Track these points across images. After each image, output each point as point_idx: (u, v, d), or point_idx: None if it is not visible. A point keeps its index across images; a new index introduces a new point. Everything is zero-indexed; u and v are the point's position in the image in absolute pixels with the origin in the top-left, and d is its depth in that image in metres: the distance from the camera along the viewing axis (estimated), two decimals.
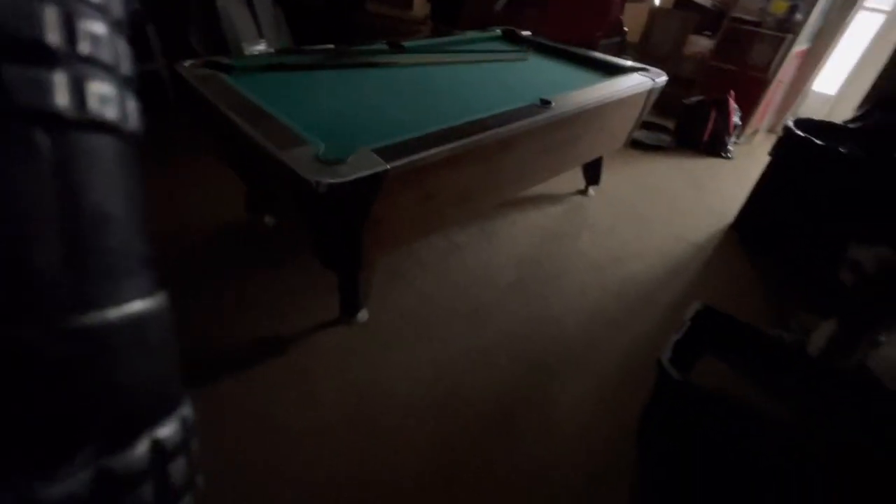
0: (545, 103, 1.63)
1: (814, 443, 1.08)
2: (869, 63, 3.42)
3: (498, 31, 2.71)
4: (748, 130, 3.63)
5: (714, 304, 1.41)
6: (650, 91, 2.15)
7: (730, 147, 3.42)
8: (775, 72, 3.33)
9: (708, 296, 1.93)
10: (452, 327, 1.69)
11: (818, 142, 2.09)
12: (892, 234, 1.83)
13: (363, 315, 1.65)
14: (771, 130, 3.91)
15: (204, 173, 2.35)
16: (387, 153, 1.18)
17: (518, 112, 1.55)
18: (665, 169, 3.13)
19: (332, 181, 1.06)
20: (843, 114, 2.77)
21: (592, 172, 2.56)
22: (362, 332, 1.62)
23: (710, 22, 3.76)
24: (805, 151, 2.14)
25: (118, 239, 0.26)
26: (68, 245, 0.23)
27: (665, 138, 3.46)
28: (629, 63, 2.28)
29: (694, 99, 3.47)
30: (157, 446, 0.27)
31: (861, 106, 2.54)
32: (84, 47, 0.23)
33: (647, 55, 3.91)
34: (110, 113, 0.25)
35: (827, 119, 2.44)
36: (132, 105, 0.27)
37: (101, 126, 0.24)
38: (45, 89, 0.22)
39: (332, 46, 2.03)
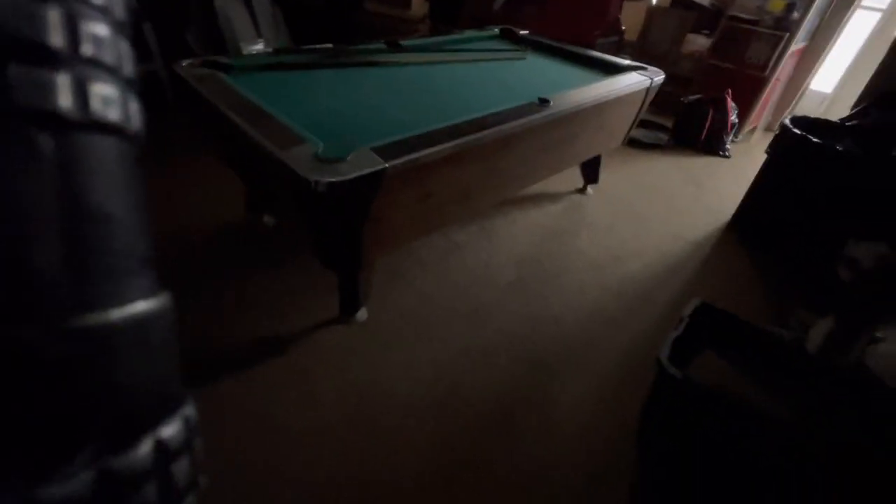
0: (543, 102, 1.64)
1: (813, 441, 1.08)
2: (865, 61, 3.43)
3: (496, 30, 2.71)
4: (746, 129, 3.63)
5: (712, 301, 1.42)
6: (648, 90, 2.15)
7: (727, 145, 3.43)
8: (773, 70, 3.34)
9: (706, 294, 1.93)
10: (452, 327, 1.69)
11: (815, 140, 2.09)
12: (889, 232, 1.84)
13: (363, 314, 1.65)
14: (768, 129, 3.92)
15: (203, 173, 2.34)
16: (386, 152, 1.18)
17: (516, 111, 1.55)
18: (663, 167, 3.13)
19: (331, 180, 1.06)
20: (839, 112, 2.78)
21: (591, 171, 2.56)
22: (362, 332, 1.62)
23: (707, 20, 3.77)
24: (802, 149, 2.15)
25: (120, 239, 0.26)
26: (70, 245, 0.23)
27: (663, 137, 3.47)
28: (627, 62, 2.28)
29: (692, 97, 3.47)
30: (160, 446, 0.27)
31: (857, 104, 2.55)
32: (87, 49, 0.23)
33: (645, 54, 3.91)
34: (113, 114, 0.25)
35: (824, 117, 2.45)
36: (134, 106, 0.27)
37: (103, 127, 0.24)
38: (48, 90, 0.22)
39: (330, 46, 2.03)
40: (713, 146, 3.41)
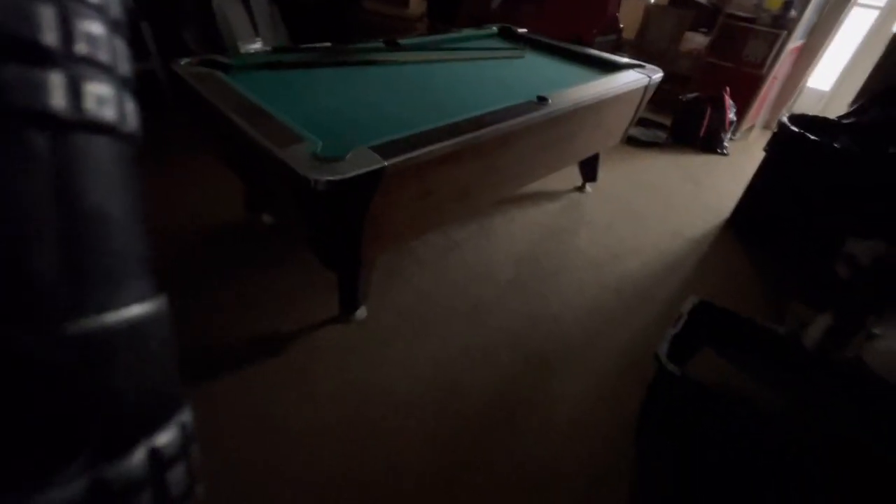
0: (542, 100, 1.63)
1: (811, 437, 1.09)
2: (863, 59, 3.44)
3: (494, 29, 2.71)
4: (743, 127, 3.64)
5: (711, 299, 1.42)
6: (646, 88, 2.15)
7: (725, 143, 3.44)
8: (770, 68, 3.34)
9: (705, 291, 1.94)
10: (451, 325, 1.69)
11: (813, 137, 2.09)
12: (886, 229, 1.84)
13: (362, 313, 1.65)
14: (766, 127, 3.92)
15: (201, 172, 2.34)
16: (384, 150, 1.18)
17: (515, 109, 1.55)
18: (661, 165, 3.13)
19: (330, 178, 1.06)
20: (837, 110, 2.78)
21: (589, 169, 2.56)
22: (361, 331, 1.62)
23: (705, 18, 3.77)
24: (800, 147, 2.15)
25: (116, 241, 0.26)
26: (65, 248, 0.23)
27: (661, 135, 3.47)
28: (625, 60, 2.28)
29: (690, 95, 3.47)
30: (155, 454, 0.27)
31: (855, 101, 2.55)
32: (81, 47, 0.23)
33: (643, 52, 3.91)
34: (108, 114, 0.24)
35: (821, 115, 2.46)
36: (130, 106, 0.26)
37: (98, 127, 0.24)
38: (42, 90, 0.21)
39: (329, 45, 2.02)
40: (711, 144, 3.42)
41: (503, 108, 1.54)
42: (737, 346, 1.38)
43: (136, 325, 0.26)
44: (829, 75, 3.91)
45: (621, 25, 3.85)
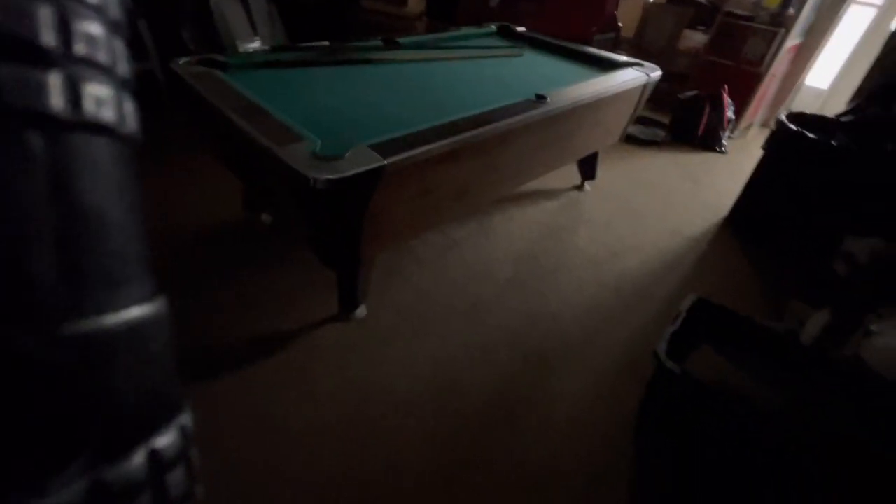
0: (540, 98, 1.63)
1: (810, 434, 1.09)
2: (861, 57, 3.44)
3: (493, 27, 2.71)
4: (742, 125, 3.64)
5: (709, 297, 1.42)
6: (645, 86, 2.15)
7: (724, 141, 3.44)
8: (768, 66, 3.34)
9: (703, 289, 1.94)
10: (451, 324, 1.69)
11: (810, 135, 2.10)
12: (884, 226, 1.85)
13: (362, 311, 1.65)
14: (764, 125, 3.93)
15: (200, 172, 2.33)
16: (384, 149, 1.18)
17: (514, 107, 1.55)
18: (660, 164, 3.14)
19: (329, 177, 1.06)
20: (835, 107, 2.78)
21: (588, 168, 2.56)
22: (360, 330, 1.62)
23: (704, 17, 3.77)
24: (798, 145, 2.15)
25: (115, 242, 0.25)
26: (64, 249, 0.23)
27: (660, 133, 3.47)
28: (624, 58, 2.28)
29: (688, 94, 3.48)
30: (155, 456, 0.27)
31: (853, 99, 2.56)
32: (80, 48, 0.23)
33: (642, 50, 3.91)
34: (106, 115, 0.24)
35: (819, 113, 2.46)
36: (129, 106, 0.26)
37: (96, 128, 0.24)
38: (39, 90, 0.21)
39: (327, 43, 2.02)
40: (710, 142, 3.42)
41: (502, 107, 1.53)
42: (735, 344, 1.38)
43: (135, 327, 0.26)
44: (827, 73, 3.91)
45: (620, 24, 3.84)
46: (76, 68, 0.23)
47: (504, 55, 2.30)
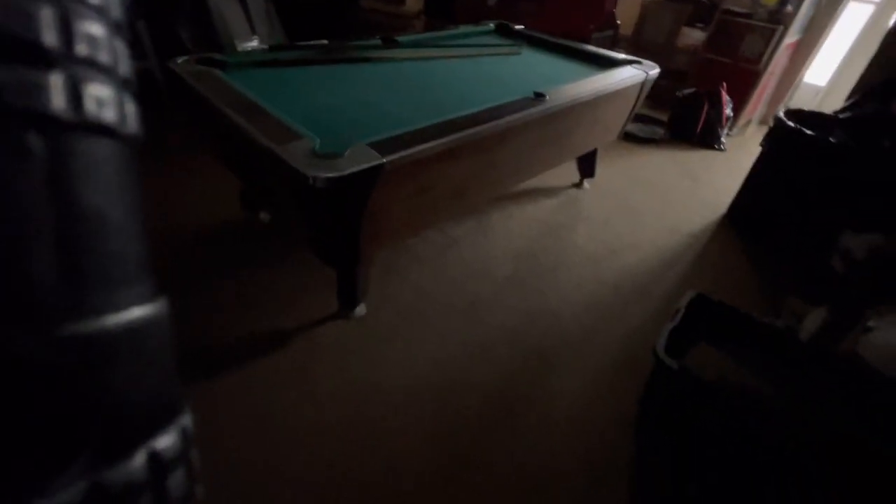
0: (539, 96, 1.63)
1: (809, 430, 1.09)
2: (859, 54, 3.44)
3: (491, 26, 2.70)
4: (740, 122, 3.64)
5: (708, 294, 1.43)
6: (643, 84, 2.15)
7: (722, 139, 3.44)
8: (767, 63, 3.34)
9: (702, 286, 1.94)
10: (450, 322, 1.69)
11: (808, 132, 2.10)
12: (881, 222, 1.85)
13: (361, 310, 1.65)
14: (763, 122, 3.93)
15: (200, 172, 2.33)
16: (383, 147, 1.18)
17: (512, 105, 1.55)
18: (659, 161, 3.14)
19: (328, 175, 1.06)
20: (833, 104, 2.78)
21: (587, 165, 2.56)
22: (360, 328, 1.62)
23: (702, 14, 3.77)
24: (796, 142, 2.15)
25: (116, 243, 0.25)
26: (64, 250, 0.22)
27: (658, 131, 3.47)
28: (622, 56, 2.28)
29: (687, 91, 3.48)
30: (155, 458, 0.27)
31: (851, 96, 2.56)
32: (81, 49, 0.23)
33: (640, 48, 3.91)
34: (108, 115, 0.24)
35: (817, 110, 2.46)
36: (131, 107, 0.26)
37: (98, 129, 0.24)
38: (40, 91, 0.21)
39: (325, 42, 2.02)
40: (708, 140, 3.42)
41: (500, 105, 1.53)
42: (734, 341, 1.39)
43: (135, 328, 0.26)
44: (826, 70, 3.91)
45: (618, 21, 3.84)
46: (77, 69, 0.23)
47: (502, 53, 2.30)
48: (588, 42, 2.65)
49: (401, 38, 2.23)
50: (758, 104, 3.72)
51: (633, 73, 2.08)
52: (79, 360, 0.23)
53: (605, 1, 3.61)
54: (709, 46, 3.57)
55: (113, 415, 0.25)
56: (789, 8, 3.17)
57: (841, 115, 2.34)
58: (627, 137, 3.30)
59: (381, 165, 1.14)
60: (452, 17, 3.79)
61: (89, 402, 0.24)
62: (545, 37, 2.53)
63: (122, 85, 0.25)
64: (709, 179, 2.98)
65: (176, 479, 0.28)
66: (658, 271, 2.10)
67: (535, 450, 1.32)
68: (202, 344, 1.49)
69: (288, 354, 1.50)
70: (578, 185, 2.65)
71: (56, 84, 0.22)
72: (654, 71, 2.18)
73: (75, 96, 0.23)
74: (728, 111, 3.39)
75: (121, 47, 0.25)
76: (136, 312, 0.26)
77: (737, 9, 3.38)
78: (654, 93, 2.44)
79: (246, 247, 1.93)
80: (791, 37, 3.31)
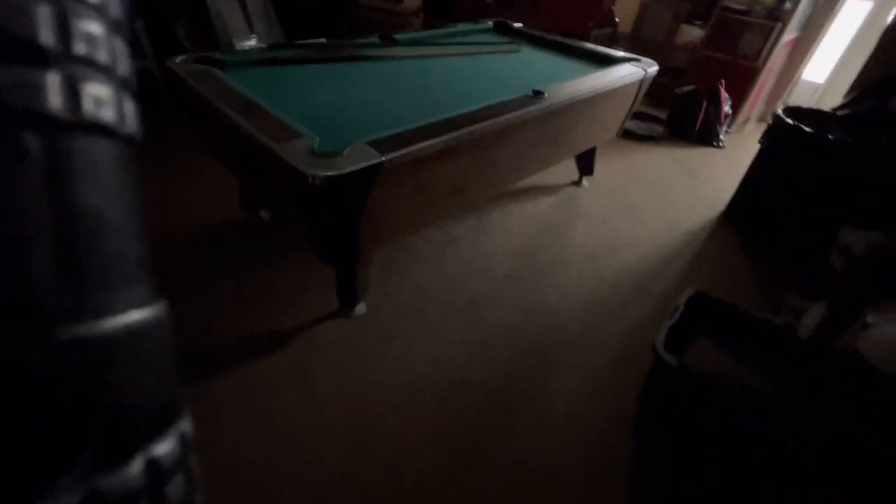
0: (538, 94, 1.63)
1: (808, 427, 1.10)
2: (857, 51, 3.44)
3: (490, 23, 2.70)
4: (739, 119, 3.64)
5: (707, 291, 1.43)
6: (642, 81, 2.15)
7: (721, 136, 3.44)
8: (765, 61, 3.34)
9: (701, 283, 1.95)
10: (450, 320, 1.69)
11: (807, 129, 2.10)
12: (880, 219, 1.85)
13: (361, 308, 1.65)
14: (761, 119, 3.93)
15: (200, 172, 2.32)
16: (382, 146, 1.18)
17: (511, 103, 1.55)
18: (657, 159, 3.14)
19: (328, 174, 1.05)
20: (832, 101, 2.78)
21: (586, 163, 2.56)
22: (360, 327, 1.62)
23: (701, 11, 3.77)
24: (794, 139, 2.15)
25: (115, 245, 0.25)
26: (62, 251, 0.22)
27: (657, 128, 3.47)
28: (621, 53, 2.28)
29: (685, 89, 3.48)
30: (153, 465, 0.26)
31: (849, 93, 2.56)
32: (79, 48, 0.23)
33: (639, 45, 3.91)
34: (106, 115, 0.24)
35: (816, 107, 2.46)
36: (130, 107, 0.26)
37: (96, 128, 0.24)
38: (38, 90, 0.21)
39: (324, 41, 2.01)
40: (707, 137, 3.42)
41: (499, 103, 1.53)
42: (733, 338, 1.39)
43: (134, 331, 0.26)
44: (824, 68, 3.91)
45: (617, 19, 3.84)
46: (75, 68, 0.22)
47: (501, 51, 2.29)
48: (587, 40, 2.65)
49: (399, 37, 2.23)
50: (756, 101, 3.73)
51: (631, 71, 2.08)
52: (78, 360, 0.23)
53: None
54: (707, 44, 3.57)
55: (110, 420, 0.25)
56: (788, 5, 3.17)
57: (839, 112, 2.34)
58: (626, 135, 3.30)
59: (381, 164, 1.14)
60: (451, 15, 3.78)
61: (89, 403, 0.24)
62: (544, 34, 2.52)
63: (121, 84, 0.25)
64: (708, 177, 2.98)
65: (175, 486, 0.28)
66: (657, 269, 2.10)
67: (535, 448, 1.32)
68: (202, 344, 1.49)
69: (288, 354, 1.50)
70: (577, 183, 2.65)
71: (53, 83, 0.22)
72: (653, 68, 2.18)
73: (73, 96, 0.22)
74: (727, 108, 3.39)
75: (120, 46, 0.25)
76: (136, 315, 0.26)
77: (735, 6, 3.37)
78: (653, 90, 2.45)
79: (246, 246, 1.93)
80: (789, 34, 3.31)
